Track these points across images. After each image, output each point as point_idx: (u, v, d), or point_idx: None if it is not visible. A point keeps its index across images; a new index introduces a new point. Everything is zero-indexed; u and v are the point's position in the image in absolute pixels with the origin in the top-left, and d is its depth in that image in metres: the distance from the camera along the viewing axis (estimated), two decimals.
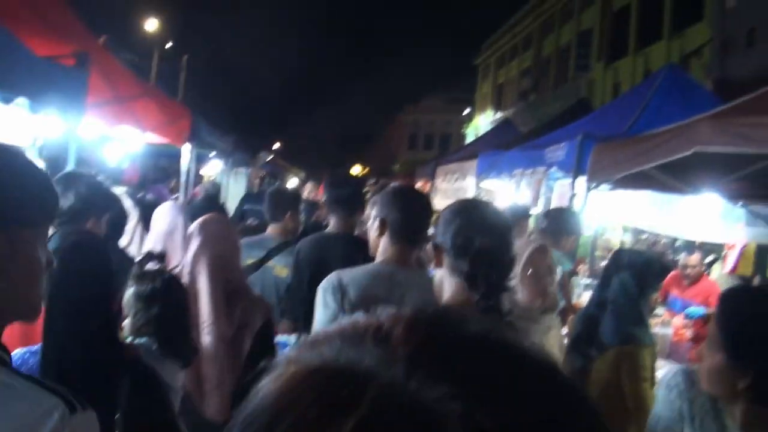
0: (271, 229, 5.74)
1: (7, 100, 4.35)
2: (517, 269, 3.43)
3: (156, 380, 2.78)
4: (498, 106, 53.26)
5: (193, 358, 3.24)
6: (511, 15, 51.01)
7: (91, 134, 7.82)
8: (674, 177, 5.92)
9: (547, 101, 39.06)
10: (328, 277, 3.42)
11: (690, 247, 8.77)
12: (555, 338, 3.72)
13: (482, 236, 2.45)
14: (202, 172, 19.15)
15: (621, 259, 4.85)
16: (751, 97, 4.86)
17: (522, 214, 7.70)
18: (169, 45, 43.85)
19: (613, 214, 9.55)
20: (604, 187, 6.82)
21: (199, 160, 14.52)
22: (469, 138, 50.07)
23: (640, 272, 4.45)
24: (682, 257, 8.81)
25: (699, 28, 25.38)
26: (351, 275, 3.38)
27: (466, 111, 62.05)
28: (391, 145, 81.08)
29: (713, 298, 8.12)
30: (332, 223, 4.79)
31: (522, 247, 3.63)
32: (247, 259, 5.20)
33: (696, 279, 8.52)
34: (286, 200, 5.85)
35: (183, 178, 10.71)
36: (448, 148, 49.95)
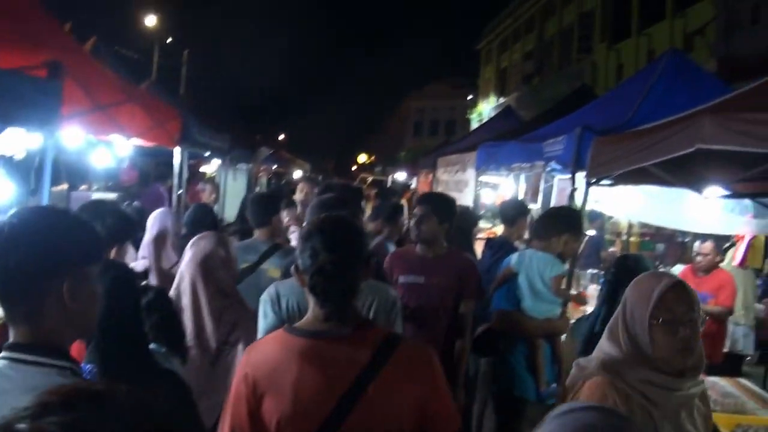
0: (259, 233, 5.91)
1: None
2: (644, 316, 2.83)
3: (181, 380, 3.11)
4: (501, 91, 53.01)
5: (187, 355, 3.65)
6: None
7: (75, 143, 7.64)
8: (677, 173, 5.65)
9: (550, 85, 38.82)
10: (267, 289, 3.72)
11: (704, 234, 8.49)
12: (701, 412, 2.91)
13: (324, 253, 2.64)
14: (202, 169, 19.00)
15: (626, 267, 4.56)
16: (755, 86, 4.63)
17: (519, 212, 7.45)
18: (169, 40, 43.84)
19: (616, 209, 9.29)
20: (605, 182, 6.56)
21: (197, 157, 14.34)
22: (474, 124, 49.87)
23: None
24: (696, 246, 8.53)
25: (702, 6, 25.06)
26: (287, 286, 3.63)
27: (470, 96, 61.77)
28: (396, 132, 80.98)
29: (722, 290, 7.90)
30: None
31: (646, 284, 2.93)
32: (242, 264, 5.44)
33: (709, 269, 8.25)
34: (270, 205, 6.05)
35: (176, 180, 10.47)
36: (454, 135, 49.74)
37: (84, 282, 1.98)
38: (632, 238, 14.21)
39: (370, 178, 43.08)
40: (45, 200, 6.25)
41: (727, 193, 6.27)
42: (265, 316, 3.63)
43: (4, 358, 1.92)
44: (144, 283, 3.53)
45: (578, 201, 6.81)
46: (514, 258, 5.74)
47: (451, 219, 5.52)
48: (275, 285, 3.68)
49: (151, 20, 39.88)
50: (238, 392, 2.66)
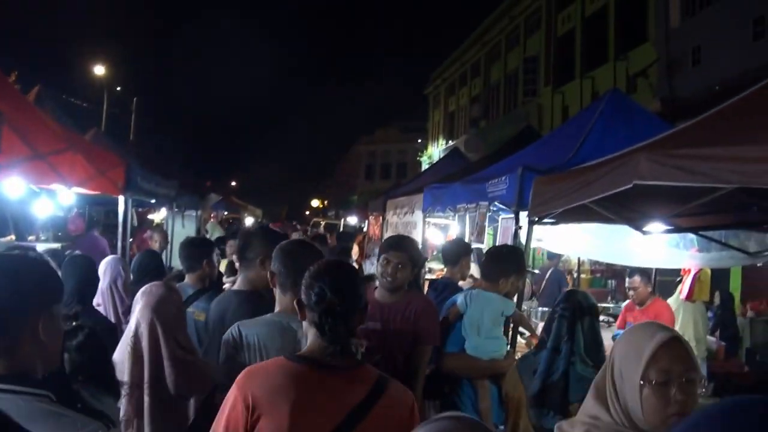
0: (189, 278, 6.11)
1: None
2: (634, 376, 2.45)
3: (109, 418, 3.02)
4: (450, 134, 53.48)
5: (119, 394, 3.73)
6: (459, 44, 51.30)
7: (17, 192, 7.55)
8: (617, 210, 5.72)
9: (497, 127, 39.25)
10: (230, 329, 3.74)
11: (631, 269, 8.76)
12: None
13: (332, 295, 2.86)
14: (151, 216, 18.81)
15: (577, 302, 4.57)
16: (690, 124, 4.70)
17: (462, 252, 7.43)
18: (119, 88, 43.61)
19: (561, 246, 9.36)
20: (548, 220, 6.61)
21: (145, 205, 14.20)
22: (424, 167, 50.17)
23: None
24: (627, 281, 8.76)
25: (644, 48, 25.49)
26: (250, 325, 3.70)
27: (420, 140, 62.28)
28: (348, 176, 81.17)
29: (659, 320, 7.98)
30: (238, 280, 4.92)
31: (636, 340, 2.56)
32: None
33: (643, 300, 8.47)
34: (199, 250, 6.20)
35: (120, 228, 10.33)
36: (405, 177, 49.98)
37: (53, 319, 2.21)
38: (583, 275, 14.33)
39: (323, 223, 43.07)
40: None
41: (667, 228, 6.34)
42: (228, 357, 3.65)
43: None
44: (74, 324, 3.54)
45: (522, 239, 6.85)
46: (459, 298, 5.71)
47: (419, 263, 5.52)
48: (237, 325, 3.71)
49: (100, 69, 39.68)
50: (236, 411, 2.77)
